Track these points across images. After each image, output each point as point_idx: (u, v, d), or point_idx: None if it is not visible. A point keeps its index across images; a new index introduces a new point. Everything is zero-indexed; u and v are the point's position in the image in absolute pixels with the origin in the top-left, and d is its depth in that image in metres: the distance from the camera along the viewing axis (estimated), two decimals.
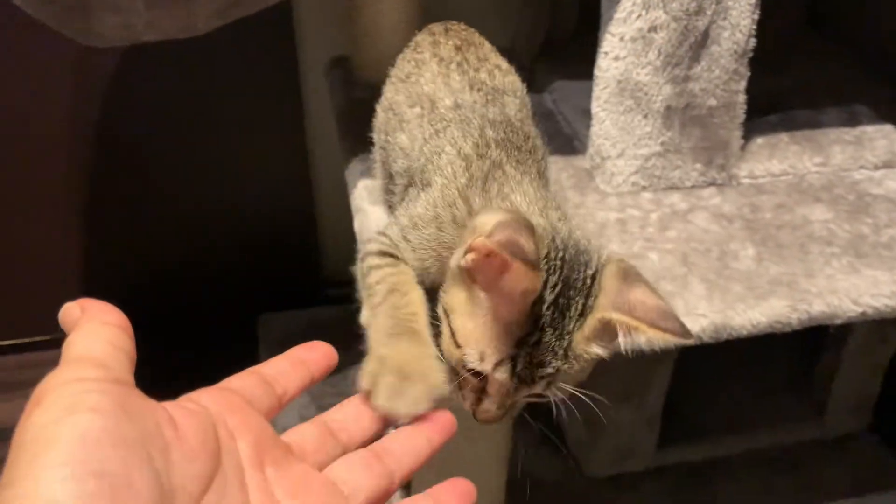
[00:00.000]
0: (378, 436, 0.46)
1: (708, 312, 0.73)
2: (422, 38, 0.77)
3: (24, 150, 1.34)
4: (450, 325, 0.53)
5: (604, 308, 0.51)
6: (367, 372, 0.48)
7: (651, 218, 0.85)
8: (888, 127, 0.98)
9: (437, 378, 0.49)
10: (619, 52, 0.83)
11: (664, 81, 0.83)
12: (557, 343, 0.51)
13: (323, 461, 0.42)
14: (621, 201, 0.87)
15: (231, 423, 0.38)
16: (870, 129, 0.97)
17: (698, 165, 0.89)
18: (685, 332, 0.50)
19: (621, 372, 1.04)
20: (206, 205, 1.45)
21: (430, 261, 0.60)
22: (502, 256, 0.47)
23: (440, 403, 0.47)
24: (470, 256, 0.49)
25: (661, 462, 1.16)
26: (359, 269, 0.61)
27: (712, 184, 0.90)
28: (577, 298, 0.52)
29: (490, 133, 0.62)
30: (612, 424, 1.12)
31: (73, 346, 0.36)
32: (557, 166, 0.92)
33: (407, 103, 0.69)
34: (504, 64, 0.73)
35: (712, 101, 0.86)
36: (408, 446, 0.44)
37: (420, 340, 0.52)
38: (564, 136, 0.99)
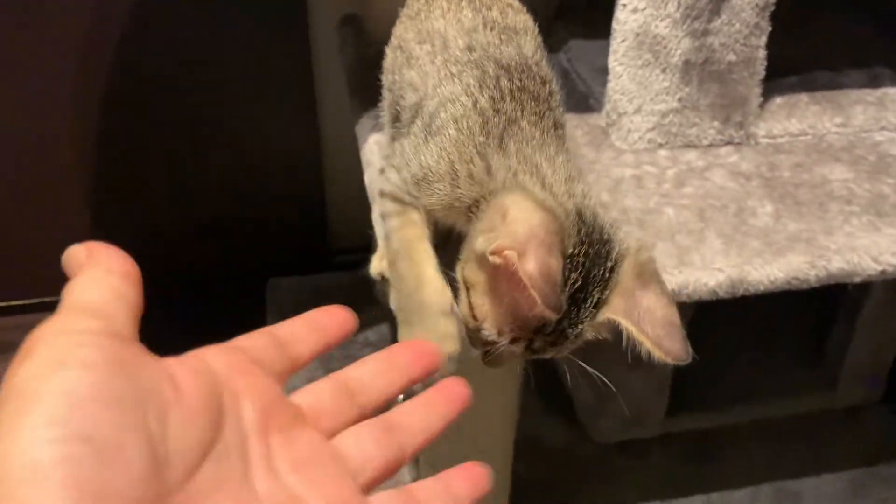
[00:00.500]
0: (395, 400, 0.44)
1: (725, 267, 0.71)
2: None
3: (31, 107, 1.33)
4: (468, 298, 0.54)
5: (615, 309, 0.52)
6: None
7: (667, 174, 0.83)
8: None
9: (449, 348, 0.56)
10: (637, 4, 0.81)
11: (683, 35, 0.82)
12: (571, 330, 0.53)
13: (337, 426, 0.39)
14: (637, 158, 0.86)
15: (238, 386, 0.35)
16: (892, 91, 0.95)
17: (716, 123, 0.87)
18: (683, 355, 0.52)
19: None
20: (214, 168, 1.44)
21: (441, 209, 0.60)
22: (528, 289, 0.47)
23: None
24: (497, 260, 0.49)
25: (670, 429, 1.16)
26: (376, 208, 0.61)
27: (730, 142, 0.89)
28: (594, 292, 0.52)
29: (505, 83, 0.60)
30: (622, 391, 1.10)
31: (73, 294, 0.33)
32: (572, 124, 0.91)
33: (416, 40, 0.67)
34: (516, 2, 0.71)
35: (732, 56, 0.84)
36: (421, 420, 0.41)
37: (429, 313, 0.58)
38: (580, 93, 0.97)
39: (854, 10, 1.17)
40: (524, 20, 0.69)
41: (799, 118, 0.91)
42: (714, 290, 0.71)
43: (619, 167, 0.84)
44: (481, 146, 0.57)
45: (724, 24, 0.82)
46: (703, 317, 1.05)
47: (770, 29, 0.83)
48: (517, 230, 0.49)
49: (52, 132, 1.35)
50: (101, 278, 0.33)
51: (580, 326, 0.53)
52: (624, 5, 0.82)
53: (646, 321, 0.52)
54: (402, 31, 0.71)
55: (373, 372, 0.42)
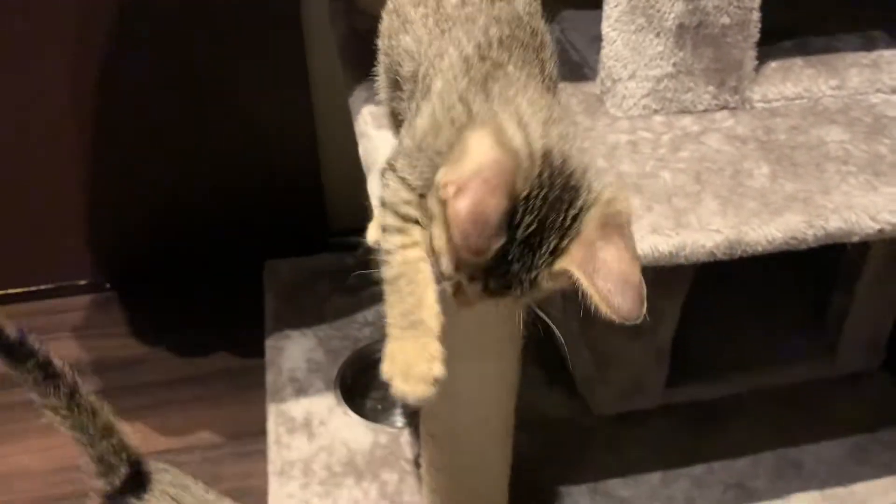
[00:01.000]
0: None
1: (722, 228, 0.71)
2: None
3: (26, 90, 1.32)
4: (430, 229, 0.54)
5: (571, 258, 0.51)
6: (384, 369, 0.56)
7: (663, 139, 0.83)
8: None
9: (436, 371, 0.56)
10: None
11: None
12: (525, 275, 0.52)
13: None
14: (632, 124, 0.85)
15: None
16: (887, 54, 0.95)
17: (711, 88, 0.87)
18: (632, 314, 0.50)
19: None
20: (210, 150, 1.44)
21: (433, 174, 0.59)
22: (463, 223, 0.47)
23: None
24: (441, 194, 0.49)
25: (669, 400, 1.16)
26: (372, 180, 0.60)
27: (725, 107, 0.88)
28: (550, 238, 0.51)
29: (494, 31, 0.60)
30: (621, 361, 1.11)
31: None
32: (567, 92, 0.90)
33: (411, 3, 0.67)
34: None
35: (725, 19, 0.83)
36: None
37: (423, 332, 0.57)
38: (573, 63, 0.97)
39: None
40: None
41: (794, 82, 0.90)
42: (711, 251, 0.71)
43: (614, 133, 0.84)
44: (463, 91, 0.57)
45: None
46: (702, 287, 1.05)
47: None
48: (465, 166, 0.49)
49: (49, 118, 1.35)
50: None
51: (534, 272, 0.52)
52: None
53: (599, 274, 0.50)
54: None
55: None
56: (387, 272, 0.59)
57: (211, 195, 1.47)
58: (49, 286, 1.49)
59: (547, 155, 0.52)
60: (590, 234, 0.51)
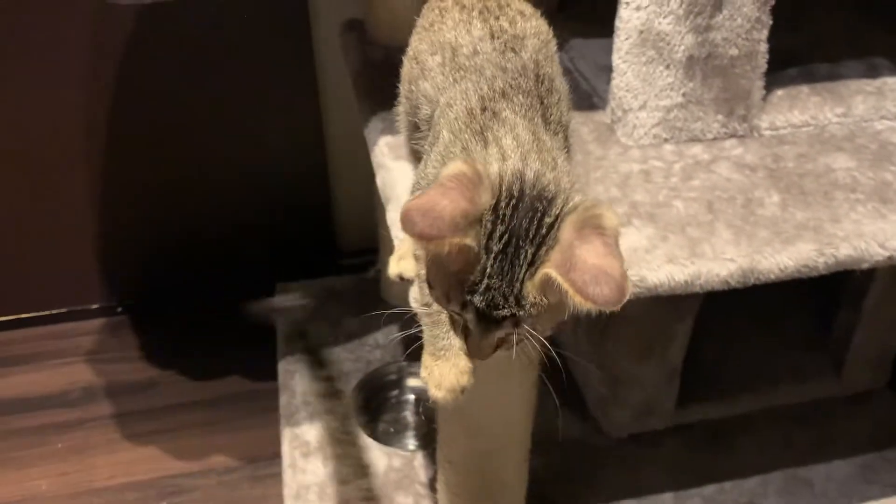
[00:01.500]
0: None
1: (736, 257, 0.73)
2: None
3: (41, 116, 1.34)
4: (424, 267, 0.57)
5: (551, 264, 0.51)
6: (421, 374, 0.66)
7: (674, 168, 0.85)
8: None
9: (464, 382, 0.64)
10: (640, 2, 0.82)
11: (686, 31, 0.83)
12: (508, 289, 0.52)
13: None
14: (644, 153, 0.87)
15: None
16: (891, 81, 0.97)
17: (720, 117, 0.89)
18: (609, 300, 0.48)
19: (641, 329, 1.04)
20: (221, 174, 1.46)
21: None
22: (409, 212, 0.49)
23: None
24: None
25: (680, 420, 1.17)
26: (391, 211, 0.62)
27: (734, 135, 0.90)
28: (526, 248, 0.52)
29: (499, 83, 0.62)
30: (632, 383, 1.13)
31: None
32: (577, 121, 0.92)
33: (429, 51, 0.69)
34: (528, 9, 0.72)
35: (734, 51, 0.85)
36: None
37: (453, 353, 0.64)
38: (582, 91, 0.99)
39: (850, 2, 1.18)
40: (535, 24, 0.71)
41: (801, 109, 0.92)
42: (726, 279, 0.73)
43: (626, 163, 0.86)
44: (466, 142, 0.59)
45: (727, 20, 0.83)
46: (710, 306, 1.06)
47: (771, 23, 0.85)
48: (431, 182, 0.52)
49: (62, 145, 1.36)
50: None
51: (517, 285, 0.52)
52: (627, 3, 0.83)
53: (575, 269, 0.49)
54: (418, 42, 0.73)
55: None
56: (420, 298, 0.64)
57: (222, 219, 1.49)
58: (61, 310, 1.50)
59: (518, 173, 0.54)
60: (567, 238, 0.51)
